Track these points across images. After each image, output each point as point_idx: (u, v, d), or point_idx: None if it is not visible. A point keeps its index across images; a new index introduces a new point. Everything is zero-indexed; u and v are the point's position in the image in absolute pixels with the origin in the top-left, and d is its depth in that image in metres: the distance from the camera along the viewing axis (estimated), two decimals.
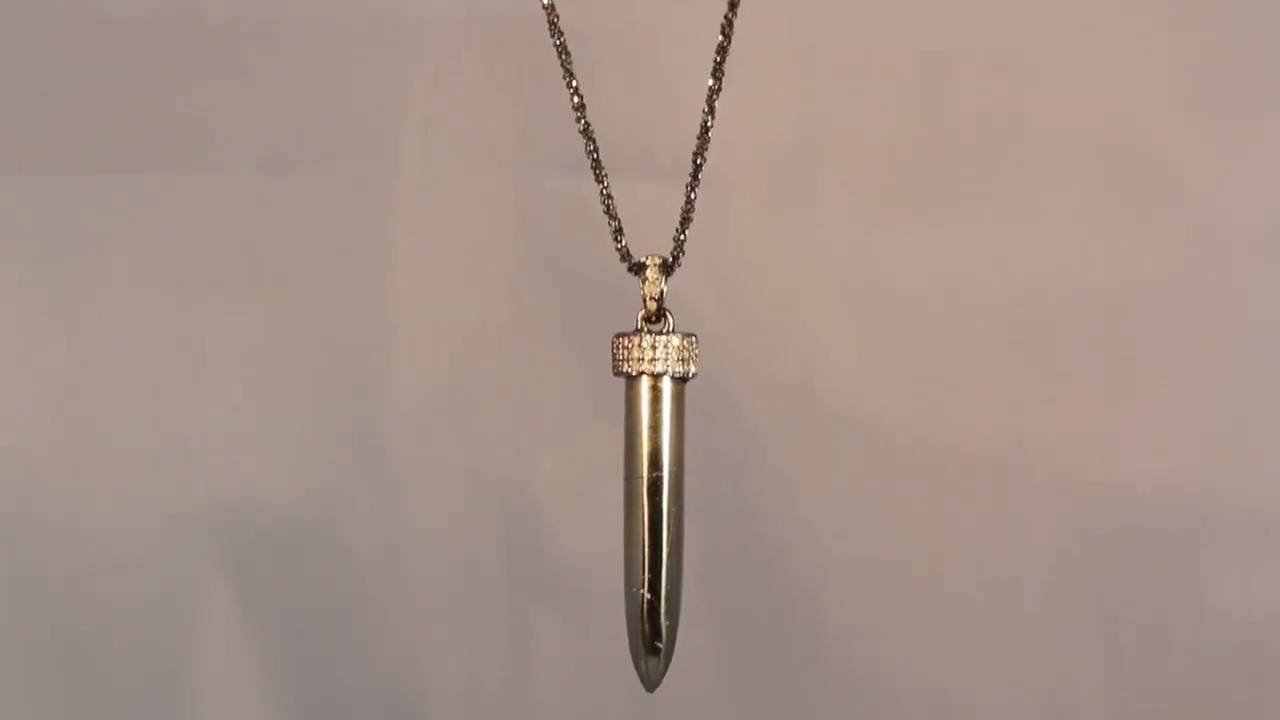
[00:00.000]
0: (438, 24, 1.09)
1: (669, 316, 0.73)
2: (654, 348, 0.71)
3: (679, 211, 0.74)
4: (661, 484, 0.72)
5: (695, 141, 0.74)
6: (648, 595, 0.72)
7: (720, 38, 0.74)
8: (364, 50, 1.08)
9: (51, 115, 1.09)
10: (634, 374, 0.72)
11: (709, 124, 0.74)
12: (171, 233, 1.09)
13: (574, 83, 0.73)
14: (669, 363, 0.71)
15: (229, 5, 1.08)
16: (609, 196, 0.74)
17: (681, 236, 0.74)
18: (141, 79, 1.09)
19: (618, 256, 0.74)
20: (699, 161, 0.74)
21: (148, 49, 1.09)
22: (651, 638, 0.72)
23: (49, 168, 1.09)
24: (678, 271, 0.74)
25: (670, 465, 0.72)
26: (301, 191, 1.09)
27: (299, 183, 1.09)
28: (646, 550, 0.72)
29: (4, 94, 1.09)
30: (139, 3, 1.09)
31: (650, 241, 0.76)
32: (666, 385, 0.72)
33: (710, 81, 0.74)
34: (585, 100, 0.74)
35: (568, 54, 0.74)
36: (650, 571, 0.72)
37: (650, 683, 0.73)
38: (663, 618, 0.72)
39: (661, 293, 0.73)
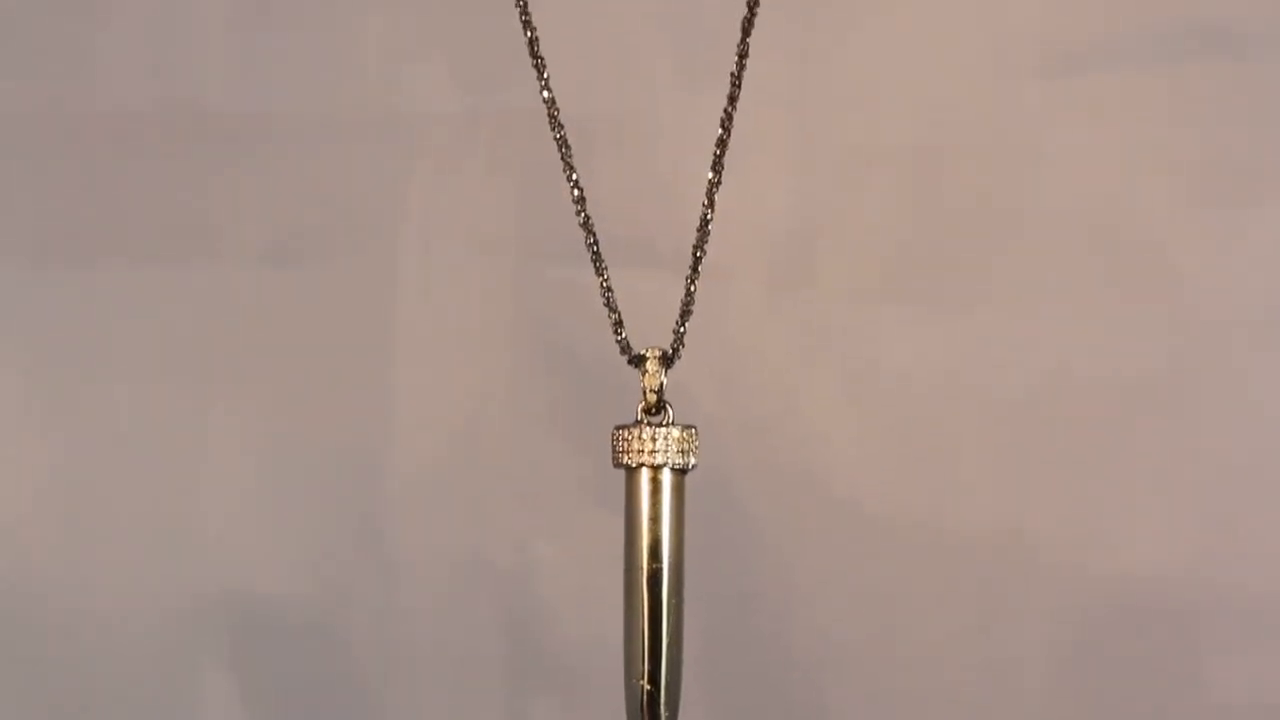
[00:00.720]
0: (438, 117, 1.10)
1: (669, 409, 0.73)
2: (654, 440, 0.72)
3: (679, 303, 0.74)
4: (661, 575, 0.72)
5: (695, 233, 0.75)
6: (648, 686, 0.71)
7: (720, 131, 0.74)
8: (365, 143, 1.09)
9: (53, 207, 1.09)
10: (634, 466, 0.72)
11: (709, 216, 0.75)
12: (173, 323, 1.10)
13: (574, 175, 0.74)
14: (669, 455, 0.72)
15: (231, 99, 1.09)
16: (609, 289, 0.74)
17: (681, 329, 0.74)
18: (143, 171, 1.09)
19: (618, 348, 0.74)
20: (699, 254, 0.74)
21: (150, 141, 1.09)
22: None
23: (51, 259, 1.10)
24: (678, 362, 0.74)
25: (670, 556, 0.72)
26: (303, 283, 1.09)
27: (300, 274, 1.09)
28: (646, 641, 0.72)
29: (5, 185, 1.10)
30: (141, 95, 1.09)
31: (651, 332, 0.76)
32: (666, 477, 0.72)
33: (710, 175, 0.74)
34: (586, 192, 0.75)
35: (568, 147, 0.74)
36: (650, 662, 0.71)
37: None
38: (662, 709, 0.72)
39: (661, 385, 0.73)
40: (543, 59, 0.74)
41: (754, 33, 0.75)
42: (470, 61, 1.09)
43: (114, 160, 1.09)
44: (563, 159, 0.74)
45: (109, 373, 1.10)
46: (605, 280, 0.74)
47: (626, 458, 0.72)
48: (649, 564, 0.72)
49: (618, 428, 0.73)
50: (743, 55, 0.74)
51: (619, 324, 0.74)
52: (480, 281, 1.09)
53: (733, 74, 0.74)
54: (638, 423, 0.73)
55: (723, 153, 0.74)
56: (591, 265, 0.74)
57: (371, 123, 1.09)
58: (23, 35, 1.10)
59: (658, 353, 0.73)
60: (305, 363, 1.10)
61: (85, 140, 1.10)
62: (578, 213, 0.74)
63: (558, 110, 0.74)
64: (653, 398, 0.73)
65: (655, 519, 0.72)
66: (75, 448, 1.10)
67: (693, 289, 0.74)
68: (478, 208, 1.09)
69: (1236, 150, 1.07)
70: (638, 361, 0.74)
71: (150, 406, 1.10)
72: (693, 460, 0.72)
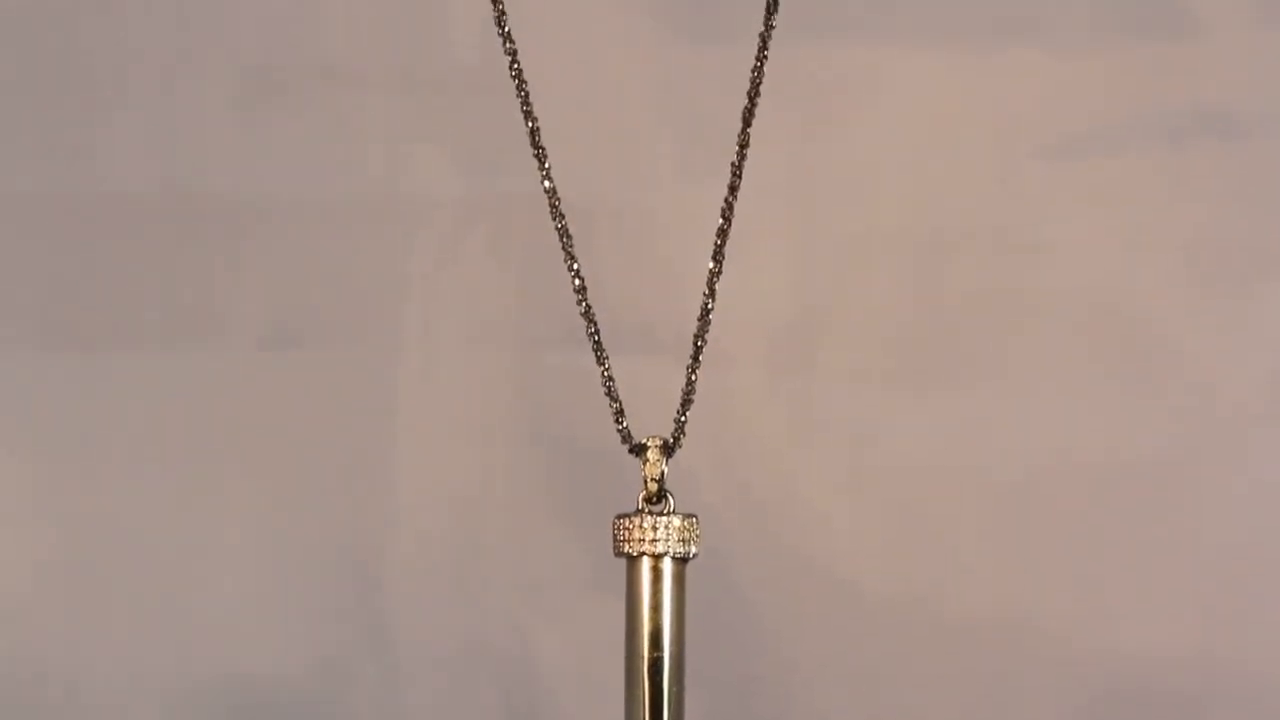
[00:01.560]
0: (440, 202, 1.10)
1: (670, 498, 0.73)
2: (655, 529, 0.72)
3: (680, 391, 0.75)
4: (663, 663, 0.71)
5: (696, 322, 0.75)
6: None
7: (720, 220, 0.75)
8: (367, 227, 1.10)
9: (54, 290, 1.10)
10: (635, 555, 0.72)
11: (709, 306, 0.75)
12: (174, 406, 1.10)
13: (575, 265, 0.74)
14: (670, 544, 0.72)
15: (233, 182, 1.10)
16: (610, 378, 0.75)
17: (682, 418, 0.74)
18: (145, 254, 1.10)
19: (619, 437, 0.74)
20: (700, 344, 0.75)
21: (152, 225, 1.10)
22: None
23: (52, 342, 1.10)
24: (679, 450, 0.75)
25: (671, 645, 0.72)
26: (304, 366, 1.09)
27: (301, 357, 1.10)
28: None
29: (6, 268, 1.10)
30: (143, 179, 1.10)
31: (652, 419, 0.76)
32: (667, 566, 0.72)
33: (711, 264, 0.75)
34: (588, 279, 0.75)
35: (569, 236, 0.75)
36: None
37: None
38: None
39: (662, 474, 0.73)
40: (544, 149, 0.74)
41: (755, 121, 0.76)
42: (472, 146, 1.10)
43: (115, 243, 1.10)
44: (564, 248, 0.74)
45: (109, 455, 1.10)
46: (606, 369, 0.75)
47: (628, 547, 0.72)
48: (650, 652, 0.72)
49: (619, 517, 0.73)
50: (743, 145, 0.74)
51: (620, 413, 0.74)
52: (481, 367, 1.10)
53: (733, 164, 0.75)
54: (639, 512, 0.73)
55: (723, 242, 0.75)
56: (593, 354, 0.75)
57: (373, 207, 1.10)
58: (25, 118, 1.10)
59: (659, 442, 0.73)
60: (305, 446, 1.10)
61: (87, 223, 1.10)
62: (579, 302, 0.74)
63: (559, 200, 0.74)
64: (654, 487, 0.73)
65: (656, 608, 0.72)
66: (76, 530, 1.10)
67: (694, 378, 0.75)
68: (479, 292, 1.10)
69: (1237, 231, 1.08)
70: (639, 451, 0.74)
71: (150, 489, 1.10)
72: (694, 549, 0.72)
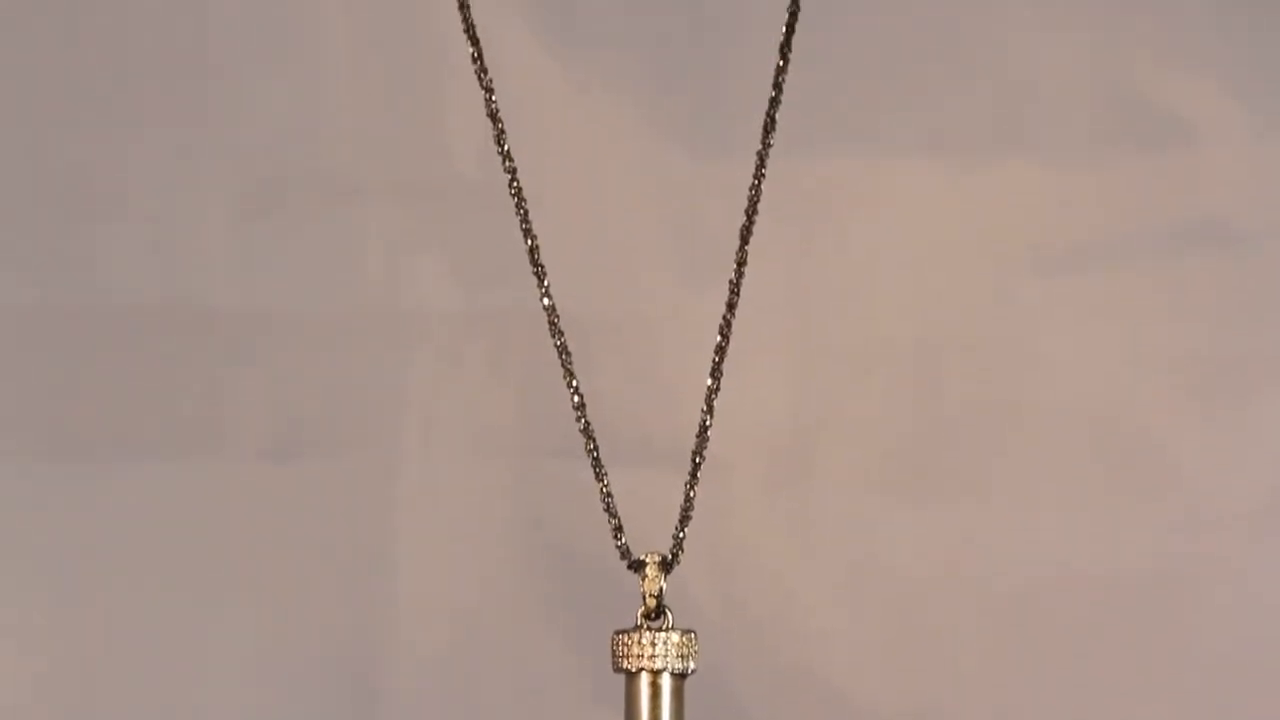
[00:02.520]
0: (439, 314, 1.11)
1: (668, 613, 0.73)
2: (653, 645, 0.72)
3: (679, 506, 0.75)
4: None
5: (695, 438, 0.75)
6: None
7: (718, 338, 0.75)
8: (366, 338, 1.10)
9: (52, 403, 1.10)
10: (634, 670, 0.72)
11: (707, 424, 0.75)
12: (174, 518, 1.10)
13: (574, 382, 0.75)
14: (669, 660, 0.72)
15: (233, 294, 1.10)
16: (609, 494, 0.75)
17: (681, 534, 0.75)
18: (143, 367, 1.10)
19: (617, 553, 0.74)
20: (698, 460, 0.75)
21: (151, 337, 1.10)
22: None
23: (50, 455, 1.10)
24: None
25: None
26: (303, 478, 1.10)
27: (301, 470, 1.10)
28: None
29: (4, 381, 1.10)
30: (142, 291, 1.10)
31: (650, 533, 0.76)
32: (666, 682, 0.72)
33: (709, 381, 0.75)
34: (587, 392, 0.76)
35: (568, 354, 0.75)
36: None
37: None
38: None
39: (661, 590, 0.73)
40: (543, 267, 0.75)
41: (753, 232, 0.76)
42: (472, 258, 1.11)
43: (116, 355, 1.10)
44: (563, 365, 0.75)
45: (109, 566, 1.10)
46: (605, 486, 0.75)
47: (626, 663, 0.72)
48: None
49: (617, 632, 0.73)
50: (741, 263, 0.75)
51: (619, 529, 0.75)
52: (480, 479, 1.10)
53: (731, 281, 0.76)
54: (637, 628, 0.73)
55: (721, 360, 0.75)
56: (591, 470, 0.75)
57: (373, 319, 1.10)
58: (26, 229, 1.11)
59: (657, 558, 0.74)
60: (305, 558, 1.10)
61: (87, 335, 1.10)
62: (578, 419, 0.75)
63: (558, 317, 0.75)
64: (652, 602, 0.73)
65: None
66: (75, 642, 1.10)
67: (692, 495, 0.75)
68: (478, 405, 1.10)
69: (1236, 345, 1.08)
70: (637, 567, 0.74)
71: (150, 601, 1.10)
72: (692, 664, 0.72)
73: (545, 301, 0.75)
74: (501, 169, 0.76)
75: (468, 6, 0.77)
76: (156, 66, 1.11)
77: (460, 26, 0.79)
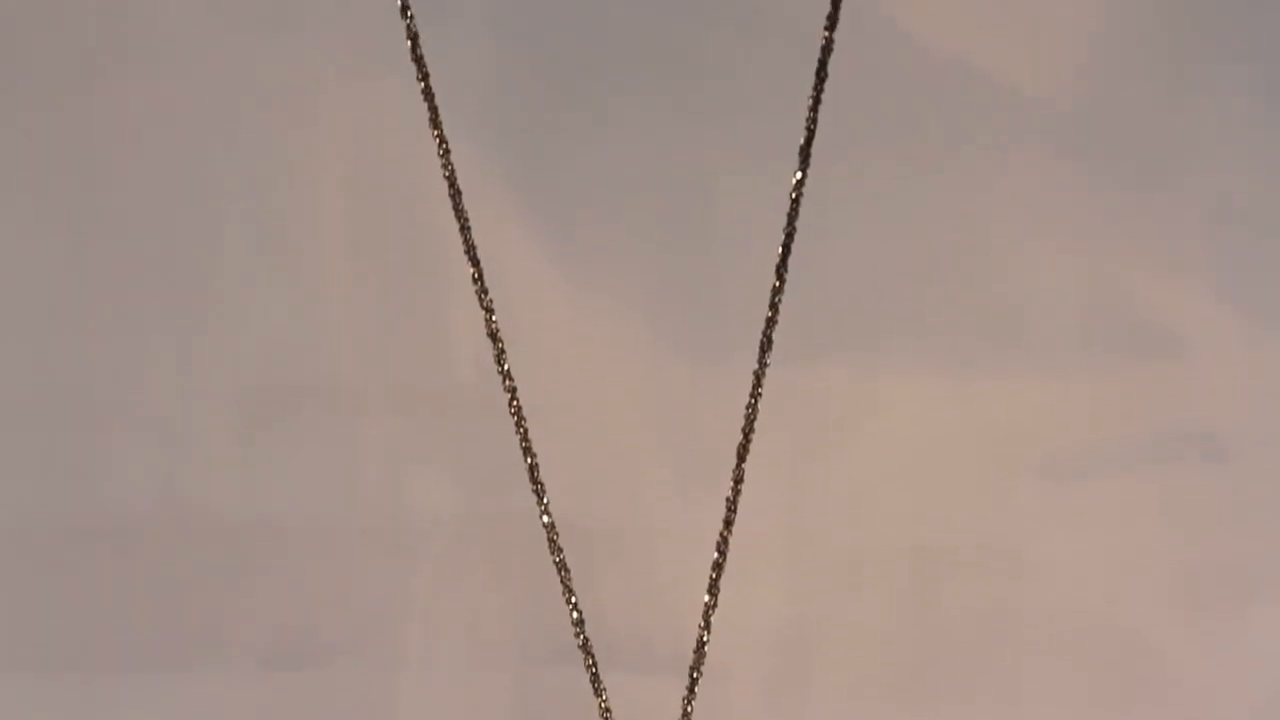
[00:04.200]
0: (439, 522, 1.11)
1: None
2: None
3: (677, 717, 0.75)
4: None
5: (693, 645, 0.76)
6: None
7: (716, 554, 0.76)
8: (367, 546, 1.10)
9: (51, 613, 1.10)
10: None
11: (705, 639, 0.76)
12: None
13: (574, 598, 0.75)
14: None
15: (233, 503, 1.11)
16: (607, 710, 0.75)
17: None
18: (144, 576, 1.10)
19: None
20: (695, 675, 0.75)
21: (153, 545, 1.10)
22: None
23: (49, 666, 1.10)
24: None
25: None
26: (305, 686, 1.09)
27: (302, 678, 1.10)
28: None
29: (4, 590, 1.10)
30: (144, 499, 1.11)
31: None
32: None
33: (706, 597, 0.76)
34: (586, 599, 0.76)
35: (567, 570, 0.76)
36: None
37: None
38: None
39: None
40: (542, 485, 0.76)
41: (750, 449, 0.77)
42: (472, 466, 1.11)
43: (116, 564, 1.10)
44: (562, 581, 0.75)
45: None
46: (604, 701, 0.75)
47: None
48: None
49: None
50: (738, 480, 0.76)
51: None
52: (480, 688, 1.10)
53: (728, 498, 0.76)
54: None
55: (719, 575, 0.76)
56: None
57: (373, 528, 1.11)
58: (25, 437, 1.12)
59: None
60: None
61: (87, 544, 1.11)
62: (576, 634, 0.75)
63: (557, 535, 0.76)
64: None
65: None
66: None
67: (690, 710, 0.75)
68: (478, 614, 1.10)
69: (1228, 553, 1.09)
70: None
71: None
72: None
73: (545, 519, 0.76)
74: (502, 386, 0.77)
75: (468, 228, 0.79)
76: (159, 274, 1.12)
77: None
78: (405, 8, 0.86)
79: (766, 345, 0.78)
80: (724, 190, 1.10)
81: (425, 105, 0.88)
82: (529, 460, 0.76)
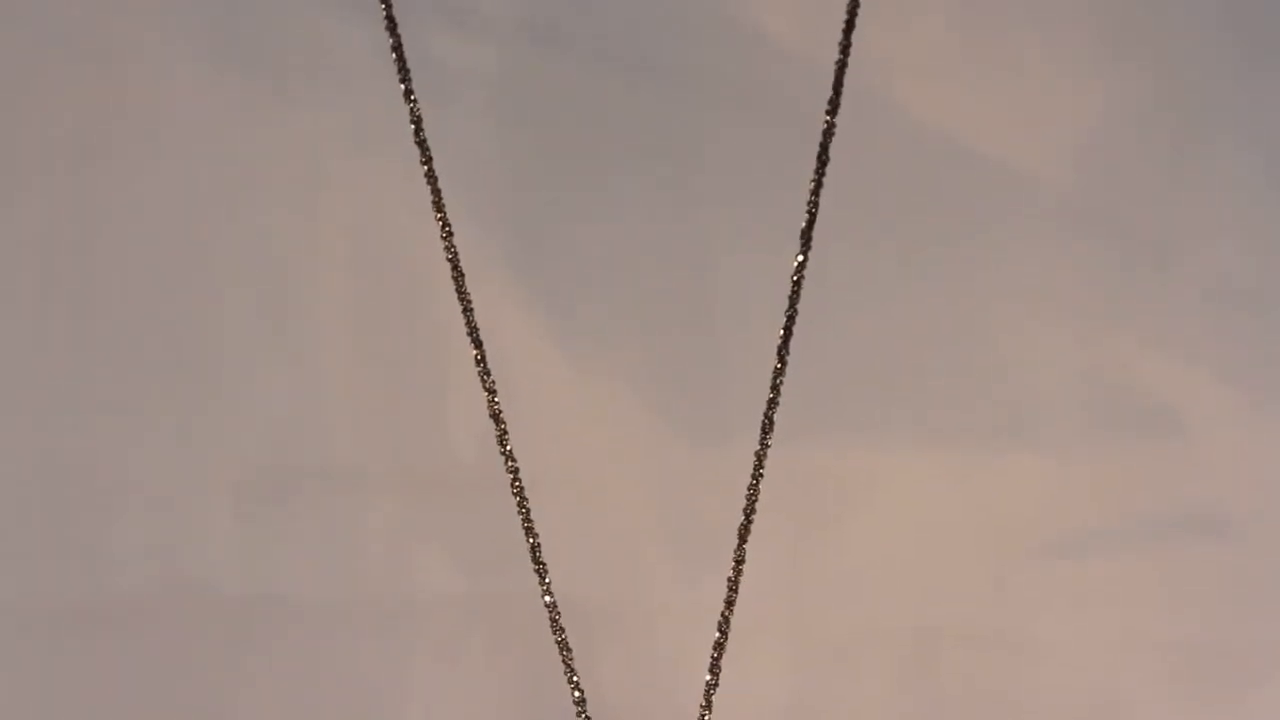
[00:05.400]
0: (440, 602, 1.11)
1: None
2: None
3: None
4: None
5: None
6: None
7: (717, 634, 0.76)
8: (367, 626, 1.10)
9: (53, 695, 1.10)
10: None
11: (706, 719, 0.76)
12: None
13: (575, 678, 0.75)
14: None
15: (234, 583, 1.11)
16: None
17: None
18: (144, 656, 1.10)
19: None
20: None
21: (151, 627, 1.10)
22: None
23: None
24: None
25: None
26: None
27: None
28: None
29: (7, 671, 1.10)
30: (142, 581, 1.11)
31: None
32: None
33: (708, 677, 0.76)
34: (587, 680, 0.76)
35: (569, 650, 0.76)
36: None
37: None
38: None
39: None
40: (544, 564, 0.76)
41: (751, 530, 0.77)
42: (473, 545, 1.11)
43: (114, 645, 1.10)
44: (564, 661, 0.75)
45: None
46: None
47: None
48: None
49: None
50: (739, 561, 0.76)
51: None
52: None
53: (729, 579, 0.76)
54: None
55: (720, 655, 0.76)
56: None
57: (373, 607, 1.10)
58: (25, 519, 1.12)
59: None
60: None
61: (88, 625, 1.10)
62: (579, 715, 0.75)
63: (559, 614, 0.76)
64: None
65: None
66: None
67: None
68: (478, 694, 1.10)
69: (1230, 635, 1.09)
70: None
71: None
72: None
73: (547, 599, 0.76)
74: (504, 467, 0.77)
75: (471, 310, 0.79)
76: (159, 354, 1.12)
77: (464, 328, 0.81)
78: (409, 91, 0.86)
79: (768, 426, 0.78)
80: (725, 271, 1.10)
81: (428, 187, 0.89)
82: (531, 540, 0.77)
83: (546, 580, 0.77)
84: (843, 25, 0.89)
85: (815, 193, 0.85)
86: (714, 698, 0.76)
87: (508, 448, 0.76)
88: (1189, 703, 1.08)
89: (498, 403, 0.78)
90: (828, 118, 0.86)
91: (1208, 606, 1.09)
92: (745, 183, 1.10)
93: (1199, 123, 1.13)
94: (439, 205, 0.86)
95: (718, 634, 0.76)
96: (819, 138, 0.87)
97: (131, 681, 1.10)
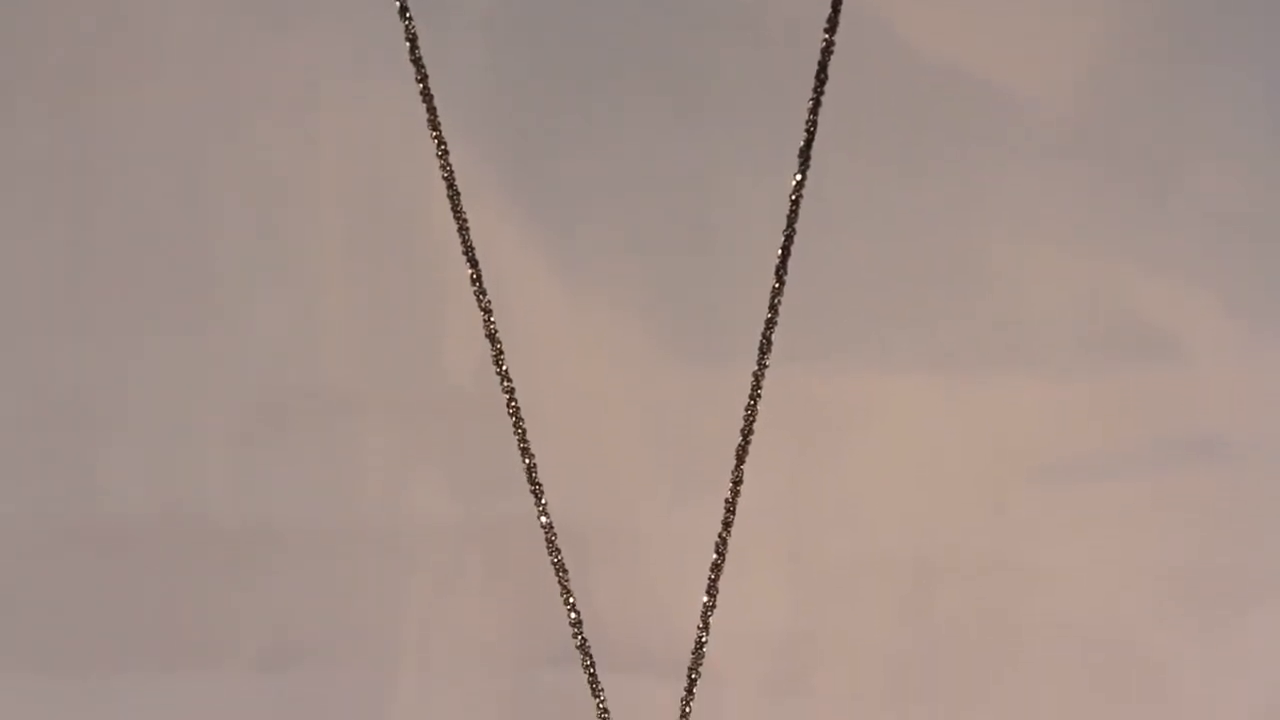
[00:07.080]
0: (437, 526, 1.11)
1: None
2: None
3: (675, 718, 0.75)
4: None
5: (690, 655, 0.76)
6: None
7: (714, 555, 0.76)
8: (363, 552, 1.10)
9: (49, 616, 1.10)
10: None
11: (703, 640, 0.76)
12: None
13: (571, 599, 0.75)
14: None
15: (231, 508, 1.11)
16: (605, 710, 0.75)
17: None
18: (141, 578, 1.10)
19: None
20: (693, 677, 0.75)
21: (149, 549, 1.10)
22: None
23: (47, 668, 1.10)
24: None
25: None
26: (300, 690, 1.09)
27: (297, 680, 1.10)
28: None
29: (2, 592, 1.11)
30: (141, 504, 1.11)
31: None
32: None
33: (705, 598, 0.76)
34: (583, 602, 0.76)
35: (565, 571, 0.76)
36: None
37: None
38: None
39: None
40: (540, 485, 0.76)
41: (749, 451, 0.77)
42: (469, 470, 1.11)
43: (114, 567, 1.10)
44: (560, 582, 0.75)
45: None
46: (602, 703, 0.75)
47: None
48: None
49: None
50: (737, 482, 0.76)
51: None
52: (477, 691, 1.10)
53: (727, 500, 0.76)
54: None
55: (717, 577, 0.76)
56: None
57: (370, 532, 1.11)
58: (21, 441, 1.12)
59: None
60: None
61: (85, 547, 1.11)
62: (574, 634, 0.75)
63: (555, 535, 0.76)
64: None
65: None
66: None
67: (688, 711, 0.75)
68: (475, 617, 1.10)
69: (1229, 558, 1.09)
70: None
71: None
72: None
73: (543, 520, 0.76)
74: (496, 376, 0.77)
75: (467, 229, 0.79)
76: (155, 279, 1.12)
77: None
78: (404, 9, 0.86)
79: (766, 347, 0.78)
80: (723, 192, 1.10)
81: (423, 107, 0.88)
82: (527, 462, 0.76)
83: (543, 502, 0.76)
84: None
85: (814, 111, 0.84)
86: (711, 620, 0.76)
87: (504, 368, 0.75)
88: (1189, 626, 1.08)
89: (494, 322, 0.78)
90: (826, 36, 0.85)
91: (1207, 530, 1.09)
92: (743, 102, 1.09)
93: (1199, 46, 1.12)
94: (434, 124, 0.85)
95: (715, 556, 0.76)
96: (817, 56, 0.86)
97: (128, 604, 1.10)
